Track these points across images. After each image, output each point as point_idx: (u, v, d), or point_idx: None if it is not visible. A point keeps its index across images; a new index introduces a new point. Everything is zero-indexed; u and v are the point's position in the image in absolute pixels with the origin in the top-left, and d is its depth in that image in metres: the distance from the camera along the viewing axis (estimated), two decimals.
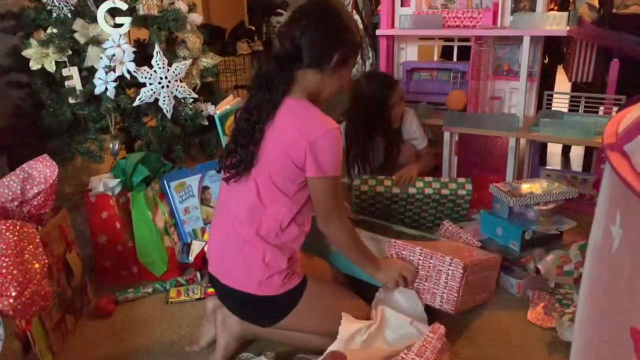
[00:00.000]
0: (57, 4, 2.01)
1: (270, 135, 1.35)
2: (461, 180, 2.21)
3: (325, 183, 1.35)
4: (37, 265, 1.31)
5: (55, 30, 2.01)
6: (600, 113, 2.57)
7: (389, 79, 2.39)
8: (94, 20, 2.03)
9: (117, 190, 1.96)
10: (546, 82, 2.90)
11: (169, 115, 2.11)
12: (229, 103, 2.10)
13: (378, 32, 2.81)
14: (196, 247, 2.05)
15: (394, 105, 2.29)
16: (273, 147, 1.35)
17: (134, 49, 2.04)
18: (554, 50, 3.03)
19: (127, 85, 2.11)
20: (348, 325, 1.37)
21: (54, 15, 2.03)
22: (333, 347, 1.33)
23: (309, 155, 1.30)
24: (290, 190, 1.36)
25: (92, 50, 2.02)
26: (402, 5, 2.81)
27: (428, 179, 2.23)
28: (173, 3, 2.19)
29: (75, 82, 2.05)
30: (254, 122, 1.36)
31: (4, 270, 1.23)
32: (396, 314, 1.45)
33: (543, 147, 2.97)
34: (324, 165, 1.32)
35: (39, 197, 1.53)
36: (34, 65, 2.03)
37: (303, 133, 1.31)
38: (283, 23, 1.41)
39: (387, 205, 2.21)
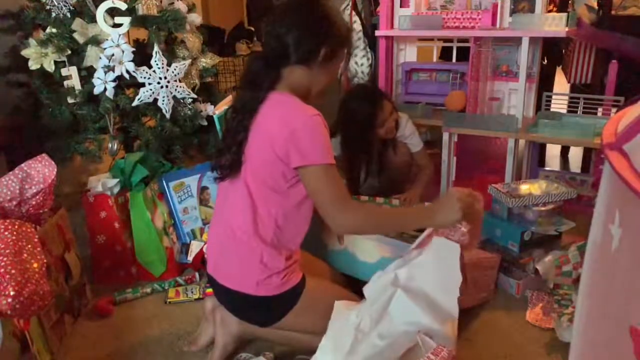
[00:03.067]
0: (56, 3, 2.01)
1: (254, 132, 1.35)
2: None
3: (314, 172, 1.28)
4: (35, 265, 1.30)
5: (54, 30, 2.01)
6: (599, 114, 2.58)
7: (375, 97, 2.26)
8: (93, 20, 2.03)
9: (116, 190, 1.96)
10: (545, 83, 2.90)
11: (168, 116, 2.11)
12: (227, 103, 2.10)
13: (377, 32, 2.82)
14: (195, 247, 2.05)
15: (384, 122, 2.24)
16: (258, 144, 1.34)
17: (133, 49, 2.04)
18: (552, 52, 3.03)
19: (126, 85, 2.11)
20: (338, 316, 1.34)
21: (53, 15, 2.03)
22: (323, 345, 1.30)
23: (290, 145, 1.27)
24: (281, 187, 1.33)
25: (91, 50, 2.02)
26: (401, 6, 2.81)
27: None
28: (172, 3, 2.19)
29: (74, 82, 2.05)
30: (239, 121, 1.36)
31: (2, 270, 1.23)
32: (410, 303, 1.35)
33: (542, 148, 2.98)
34: (307, 152, 1.27)
35: (37, 197, 1.53)
36: (33, 65, 2.03)
37: (282, 124, 1.29)
38: (268, 21, 1.40)
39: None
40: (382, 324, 1.33)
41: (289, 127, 1.28)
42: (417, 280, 1.39)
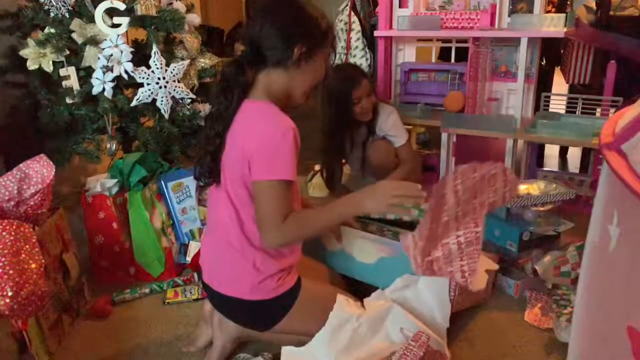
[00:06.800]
0: (54, 3, 2.01)
1: (230, 142, 1.32)
2: None
3: (262, 185, 1.25)
4: (33, 265, 1.30)
5: (52, 30, 2.01)
6: (598, 114, 2.58)
7: (355, 73, 2.27)
8: (91, 20, 2.03)
9: (115, 190, 1.96)
10: (544, 84, 2.91)
11: (166, 116, 2.11)
12: None
13: (376, 33, 2.82)
14: (193, 247, 2.05)
15: (359, 99, 2.22)
16: (232, 156, 1.31)
17: (132, 49, 2.04)
18: (551, 52, 3.04)
19: (125, 85, 2.11)
20: (339, 312, 1.36)
21: (52, 15, 2.02)
22: (320, 335, 1.34)
23: (254, 162, 1.24)
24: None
25: (89, 50, 2.02)
26: (400, 7, 2.82)
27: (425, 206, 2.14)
28: (171, 3, 2.19)
29: (73, 82, 2.04)
30: (214, 129, 1.33)
31: (0, 270, 1.23)
32: (407, 317, 1.41)
33: (540, 148, 2.98)
34: (262, 168, 1.24)
35: (35, 197, 1.53)
36: (32, 65, 2.03)
37: (253, 140, 1.25)
38: (244, 24, 1.38)
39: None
40: (379, 335, 1.36)
41: (256, 144, 1.24)
42: (412, 302, 1.50)
